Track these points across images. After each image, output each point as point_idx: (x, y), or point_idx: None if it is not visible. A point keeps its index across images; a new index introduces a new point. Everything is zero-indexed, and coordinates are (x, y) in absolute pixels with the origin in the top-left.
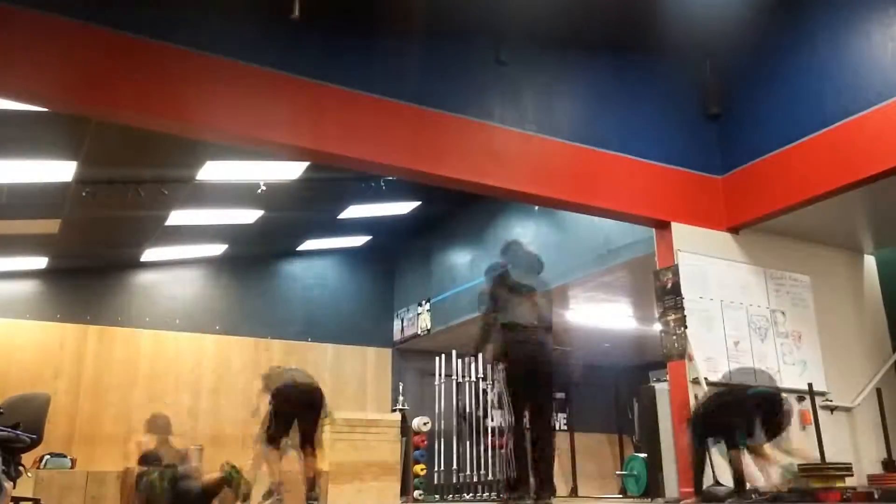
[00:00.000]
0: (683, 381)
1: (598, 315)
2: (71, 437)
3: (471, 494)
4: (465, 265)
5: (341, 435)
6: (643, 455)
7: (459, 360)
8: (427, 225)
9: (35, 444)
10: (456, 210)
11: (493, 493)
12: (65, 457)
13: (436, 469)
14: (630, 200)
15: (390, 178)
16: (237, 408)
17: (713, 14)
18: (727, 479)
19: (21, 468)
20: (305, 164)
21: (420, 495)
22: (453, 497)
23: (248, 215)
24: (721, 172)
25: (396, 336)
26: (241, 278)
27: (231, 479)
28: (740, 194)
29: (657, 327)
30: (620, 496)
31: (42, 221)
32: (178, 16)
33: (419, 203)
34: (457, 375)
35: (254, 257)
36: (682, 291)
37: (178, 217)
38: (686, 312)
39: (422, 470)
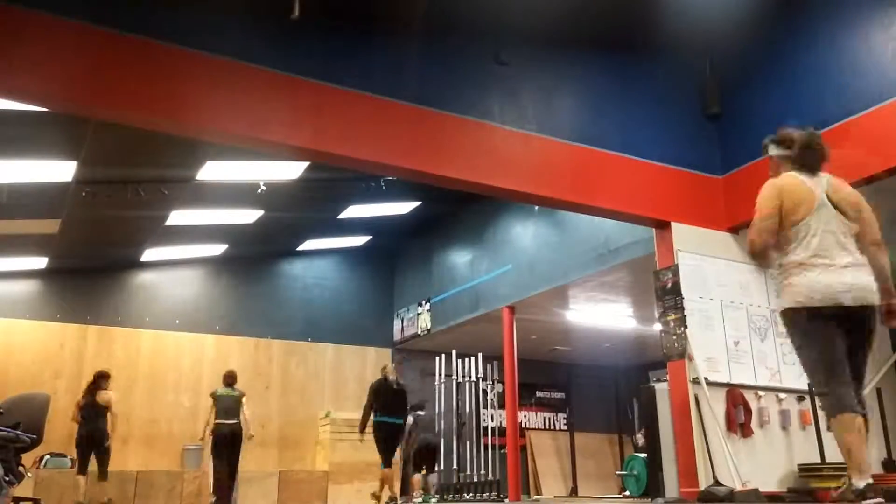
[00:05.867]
0: (683, 381)
1: (598, 315)
2: (71, 437)
3: (471, 494)
4: (465, 265)
5: (341, 435)
6: (643, 455)
7: (459, 360)
8: (427, 225)
9: (35, 444)
10: (456, 210)
11: (493, 494)
12: (65, 457)
13: (436, 469)
14: (630, 200)
15: (390, 178)
16: None
17: (713, 14)
18: (727, 480)
19: (21, 468)
20: (305, 164)
21: (420, 495)
22: (453, 497)
23: (248, 215)
24: (721, 172)
25: (396, 336)
26: (241, 278)
27: None
28: (740, 194)
29: (657, 327)
30: (620, 496)
31: (42, 221)
32: (178, 16)
33: (419, 203)
34: (457, 375)
35: (254, 257)
36: (682, 291)
37: (178, 217)
38: (686, 312)
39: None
